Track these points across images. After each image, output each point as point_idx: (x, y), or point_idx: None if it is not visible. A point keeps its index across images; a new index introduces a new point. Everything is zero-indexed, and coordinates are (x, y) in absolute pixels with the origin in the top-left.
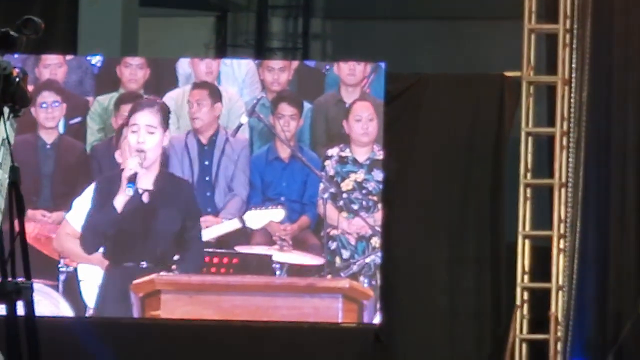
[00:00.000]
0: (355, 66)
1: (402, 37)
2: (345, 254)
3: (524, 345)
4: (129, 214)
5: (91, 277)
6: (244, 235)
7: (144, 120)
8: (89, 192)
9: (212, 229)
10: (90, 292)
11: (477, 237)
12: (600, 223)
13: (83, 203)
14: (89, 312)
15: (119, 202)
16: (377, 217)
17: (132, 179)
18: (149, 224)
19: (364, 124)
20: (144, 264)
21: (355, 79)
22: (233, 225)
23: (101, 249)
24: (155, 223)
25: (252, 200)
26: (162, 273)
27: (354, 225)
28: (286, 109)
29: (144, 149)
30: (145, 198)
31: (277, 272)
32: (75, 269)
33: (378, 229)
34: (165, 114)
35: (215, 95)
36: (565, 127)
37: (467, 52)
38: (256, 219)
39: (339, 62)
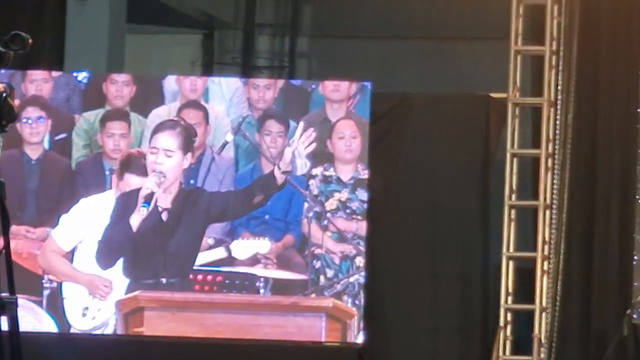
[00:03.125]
0: (340, 83)
1: (388, 56)
2: (330, 273)
3: None
4: (146, 232)
5: (75, 295)
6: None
7: (163, 143)
8: (77, 210)
9: (197, 257)
10: (73, 310)
11: (462, 256)
12: (584, 245)
13: (69, 220)
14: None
15: (135, 220)
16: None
17: (148, 199)
18: (166, 242)
19: (347, 141)
20: (164, 280)
21: (340, 95)
22: (218, 254)
23: (120, 261)
24: (174, 240)
25: (236, 220)
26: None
27: (338, 245)
28: (274, 125)
29: (162, 170)
30: (164, 216)
31: (261, 291)
32: (60, 285)
33: (362, 248)
34: (188, 135)
35: (207, 116)
36: (550, 149)
37: (452, 72)
38: (242, 249)
39: (324, 81)
